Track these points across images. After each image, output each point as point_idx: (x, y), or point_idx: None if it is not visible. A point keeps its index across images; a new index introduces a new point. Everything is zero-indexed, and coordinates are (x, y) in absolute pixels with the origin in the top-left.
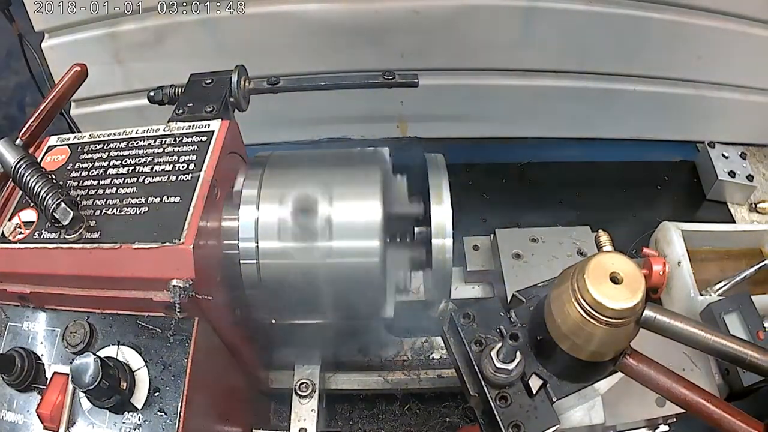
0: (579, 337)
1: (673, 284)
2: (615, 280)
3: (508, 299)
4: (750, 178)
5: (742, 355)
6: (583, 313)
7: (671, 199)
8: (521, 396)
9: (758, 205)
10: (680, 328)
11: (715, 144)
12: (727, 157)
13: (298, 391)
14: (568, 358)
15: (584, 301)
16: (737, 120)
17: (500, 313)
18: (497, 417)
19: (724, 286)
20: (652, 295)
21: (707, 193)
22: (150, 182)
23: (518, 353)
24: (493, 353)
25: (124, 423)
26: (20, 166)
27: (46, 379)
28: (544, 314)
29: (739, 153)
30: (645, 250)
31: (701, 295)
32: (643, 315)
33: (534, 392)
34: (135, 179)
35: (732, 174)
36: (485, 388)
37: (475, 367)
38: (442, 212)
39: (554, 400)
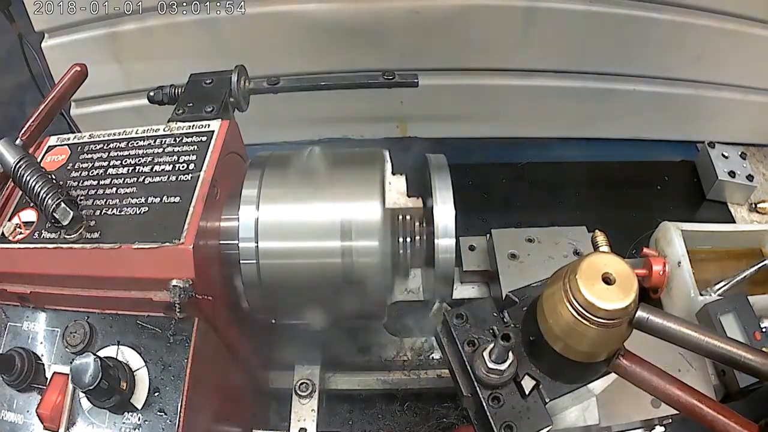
0: (571, 338)
1: (673, 284)
2: (607, 280)
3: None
4: (750, 178)
5: (736, 356)
6: (575, 314)
7: (671, 199)
8: (514, 396)
9: (758, 205)
10: (673, 330)
11: (715, 144)
12: (727, 157)
13: (298, 391)
14: (560, 359)
15: (576, 301)
16: (737, 120)
17: (493, 313)
18: (489, 417)
19: (724, 286)
20: (652, 295)
21: (707, 193)
22: (150, 182)
23: (510, 354)
24: (486, 354)
25: (124, 423)
26: (20, 166)
27: (46, 379)
28: (537, 315)
29: (739, 153)
30: (645, 250)
31: (701, 295)
32: (636, 316)
33: (527, 393)
34: (135, 179)
35: (732, 174)
36: (478, 389)
37: (468, 367)
38: (445, 212)
39: (547, 400)
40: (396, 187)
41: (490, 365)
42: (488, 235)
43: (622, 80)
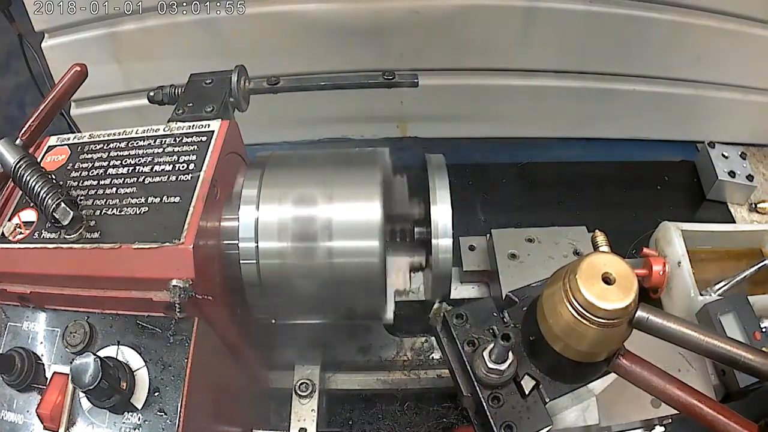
0: (571, 337)
1: (673, 284)
2: (607, 280)
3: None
4: (750, 178)
5: (735, 356)
6: (575, 314)
7: (671, 199)
8: (514, 396)
9: (758, 205)
10: (673, 329)
11: (715, 144)
12: (727, 157)
13: (298, 391)
14: (560, 359)
15: (576, 301)
16: (737, 120)
17: (493, 313)
18: (489, 417)
19: (724, 286)
20: (652, 295)
21: (707, 193)
22: (150, 182)
23: (510, 354)
24: (485, 353)
25: (124, 423)
26: (20, 166)
27: (46, 379)
28: (537, 315)
29: (739, 153)
30: (645, 250)
31: (701, 295)
32: (636, 316)
33: (527, 393)
34: (135, 179)
35: (732, 174)
36: (478, 389)
37: (468, 367)
38: (442, 212)
39: (547, 400)
40: (396, 187)
41: (490, 365)
42: (488, 235)
43: (622, 80)
